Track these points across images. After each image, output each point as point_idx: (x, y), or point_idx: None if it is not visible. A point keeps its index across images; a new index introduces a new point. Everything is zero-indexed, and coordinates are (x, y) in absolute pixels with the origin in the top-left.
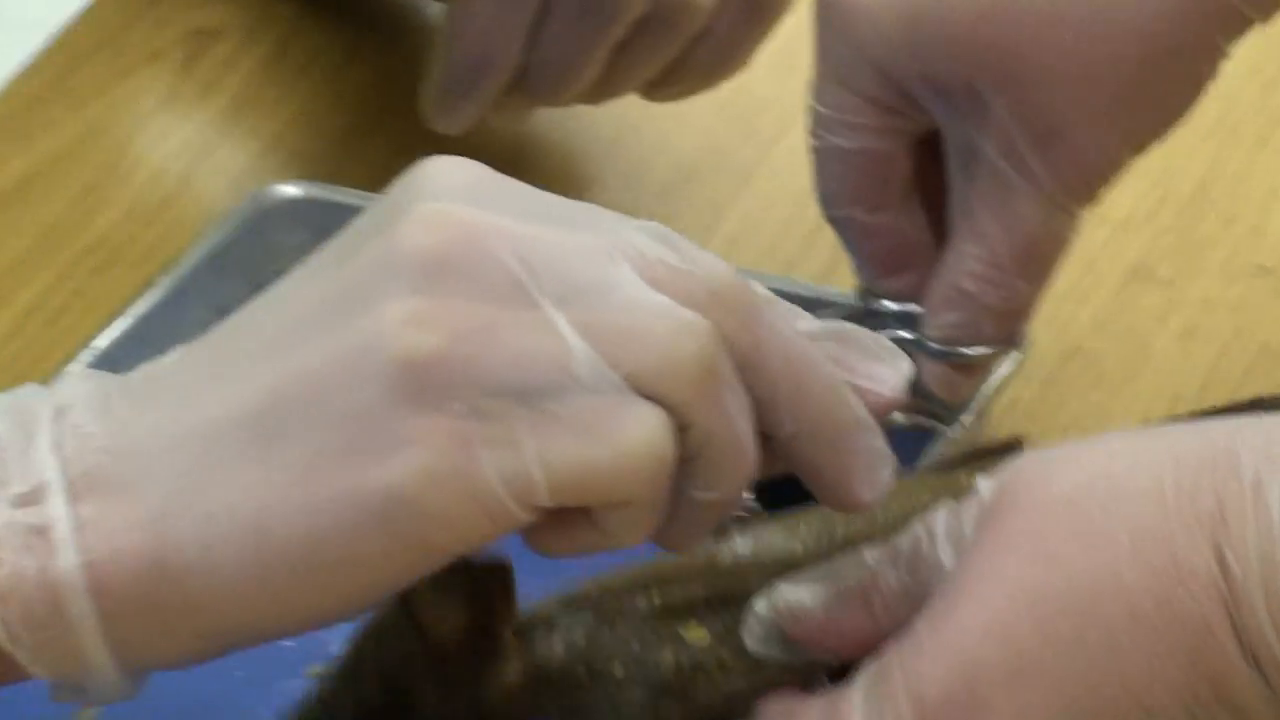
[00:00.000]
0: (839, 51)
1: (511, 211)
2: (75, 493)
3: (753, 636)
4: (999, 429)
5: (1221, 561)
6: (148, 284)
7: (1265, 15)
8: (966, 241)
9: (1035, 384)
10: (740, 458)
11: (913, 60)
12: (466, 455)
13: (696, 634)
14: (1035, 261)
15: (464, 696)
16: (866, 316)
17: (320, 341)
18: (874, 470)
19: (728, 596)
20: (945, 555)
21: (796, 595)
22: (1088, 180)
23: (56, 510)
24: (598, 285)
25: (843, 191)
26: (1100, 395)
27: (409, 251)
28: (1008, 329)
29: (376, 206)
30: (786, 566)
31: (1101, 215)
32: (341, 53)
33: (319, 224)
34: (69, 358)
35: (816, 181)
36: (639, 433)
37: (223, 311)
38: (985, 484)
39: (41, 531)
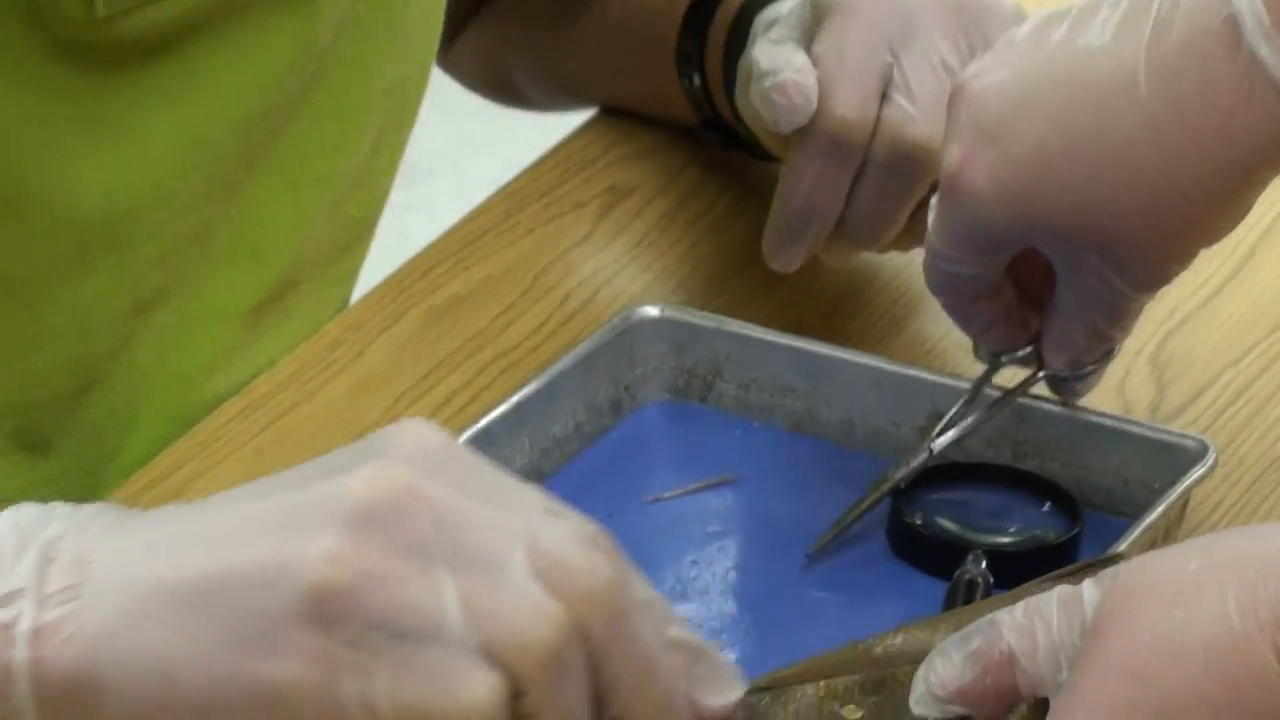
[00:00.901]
0: (956, 216)
1: (447, 480)
2: (43, 602)
3: (915, 701)
4: (1202, 527)
5: None
6: (529, 378)
7: None
8: (1072, 315)
9: (1239, 488)
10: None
11: (1019, 233)
12: (333, 675)
13: (854, 713)
14: (1123, 323)
15: None
16: (994, 368)
17: (257, 547)
18: None
19: (879, 682)
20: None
21: (940, 659)
22: (1159, 283)
23: (23, 613)
24: (486, 561)
25: (952, 292)
26: None
27: (347, 498)
28: (1105, 358)
29: (348, 449)
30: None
31: None
32: (729, 206)
33: (673, 339)
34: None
35: (928, 282)
36: (476, 692)
37: (589, 406)
38: (1090, 594)
39: (7, 627)
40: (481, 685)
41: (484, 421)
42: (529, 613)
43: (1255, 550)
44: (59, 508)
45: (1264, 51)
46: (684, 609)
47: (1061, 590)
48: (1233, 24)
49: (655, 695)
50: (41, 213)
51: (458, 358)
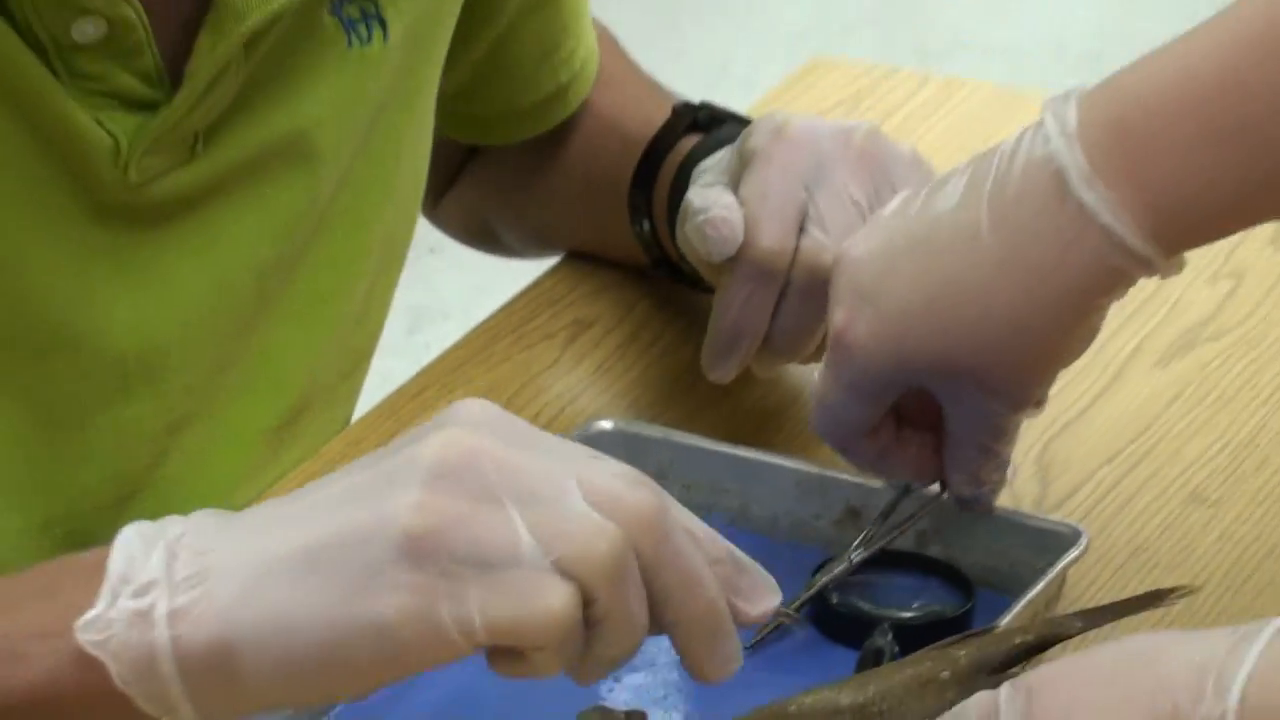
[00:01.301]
0: (844, 369)
1: (505, 440)
2: (174, 589)
3: None
4: (1078, 602)
5: None
6: None
7: (1155, 272)
8: (962, 438)
9: (1109, 569)
10: (631, 629)
11: (901, 377)
12: (431, 603)
13: None
14: (1006, 439)
15: None
16: (905, 493)
17: (354, 510)
18: (725, 664)
19: None
20: None
21: None
22: (1030, 401)
23: (158, 601)
24: (548, 497)
25: (841, 435)
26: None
27: (424, 460)
28: (1000, 473)
29: (420, 427)
30: (837, 715)
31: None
32: (676, 335)
33: (626, 448)
34: None
35: (817, 428)
36: (555, 601)
37: None
38: (1006, 710)
39: (145, 614)
40: (558, 594)
41: None
42: (590, 531)
43: (1153, 670)
44: (173, 517)
45: (1088, 198)
46: (634, 678)
47: (980, 698)
48: (1059, 176)
49: (701, 602)
50: (86, 350)
51: None
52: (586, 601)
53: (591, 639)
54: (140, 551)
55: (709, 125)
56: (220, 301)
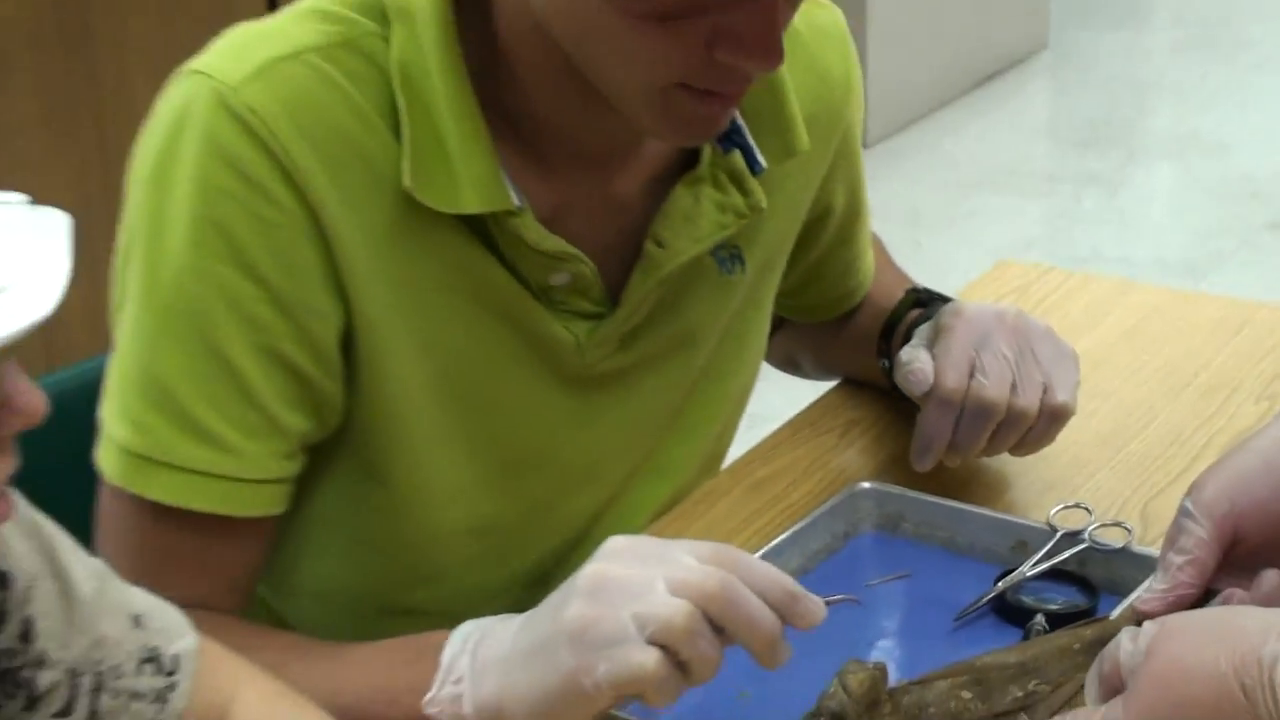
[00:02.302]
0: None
1: (624, 561)
2: (473, 679)
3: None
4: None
5: (1249, 698)
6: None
7: None
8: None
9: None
10: (707, 665)
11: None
12: (589, 673)
13: (966, 695)
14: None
15: None
16: (1058, 536)
17: (548, 623)
18: (777, 662)
19: (980, 679)
20: (1128, 675)
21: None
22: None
23: (465, 691)
24: (644, 594)
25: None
26: None
27: (579, 586)
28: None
29: (578, 574)
30: (1009, 668)
31: None
32: (905, 429)
33: (876, 501)
34: None
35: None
36: (648, 662)
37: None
38: (1144, 637)
39: (458, 698)
40: (649, 658)
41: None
42: (668, 610)
43: (1236, 623)
44: (471, 623)
45: None
46: (884, 642)
47: (1128, 631)
48: None
49: (759, 635)
50: (551, 464)
51: (764, 512)
52: (674, 655)
53: (686, 674)
54: (458, 649)
55: (927, 303)
56: (634, 434)
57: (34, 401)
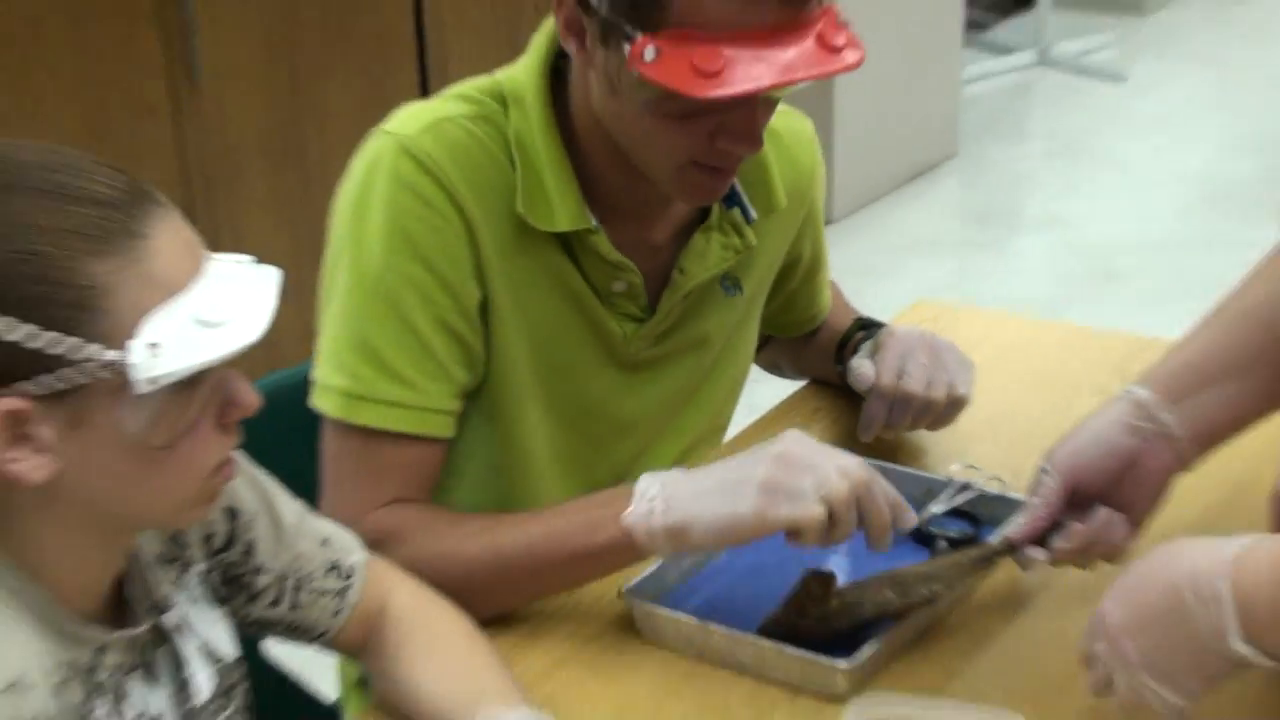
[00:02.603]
0: None
1: (804, 448)
2: (665, 501)
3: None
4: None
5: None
6: None
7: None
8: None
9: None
10: (848, 527)
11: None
12: (774, 510)
13: (889, 593)
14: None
15: (818, 612)
16: (964, 488)
17: (741, 471)
18: (884, 546)
19: (899, 582)
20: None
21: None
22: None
23: (659, 506)
24: (822, 471)
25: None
26: None
27: (771, 454)
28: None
29: (769, 440)
30: (919, 575)
31: None
32: (854, 416)
33: None
34: None
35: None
36: (820, 512)
37: None
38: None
39: (650, 514)
40: (818, 510)
41: None
42: (836, 483)
43: (1187, 550)
44: (659, 472)
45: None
46: (836, 558)
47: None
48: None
49: (879, 520)
50: (605, 420)
51: None
52: (832, 513)
53: (832, 531)
54: (649, 482)
55: (869, 327)
56: (660, 404)
57: (251, 399)
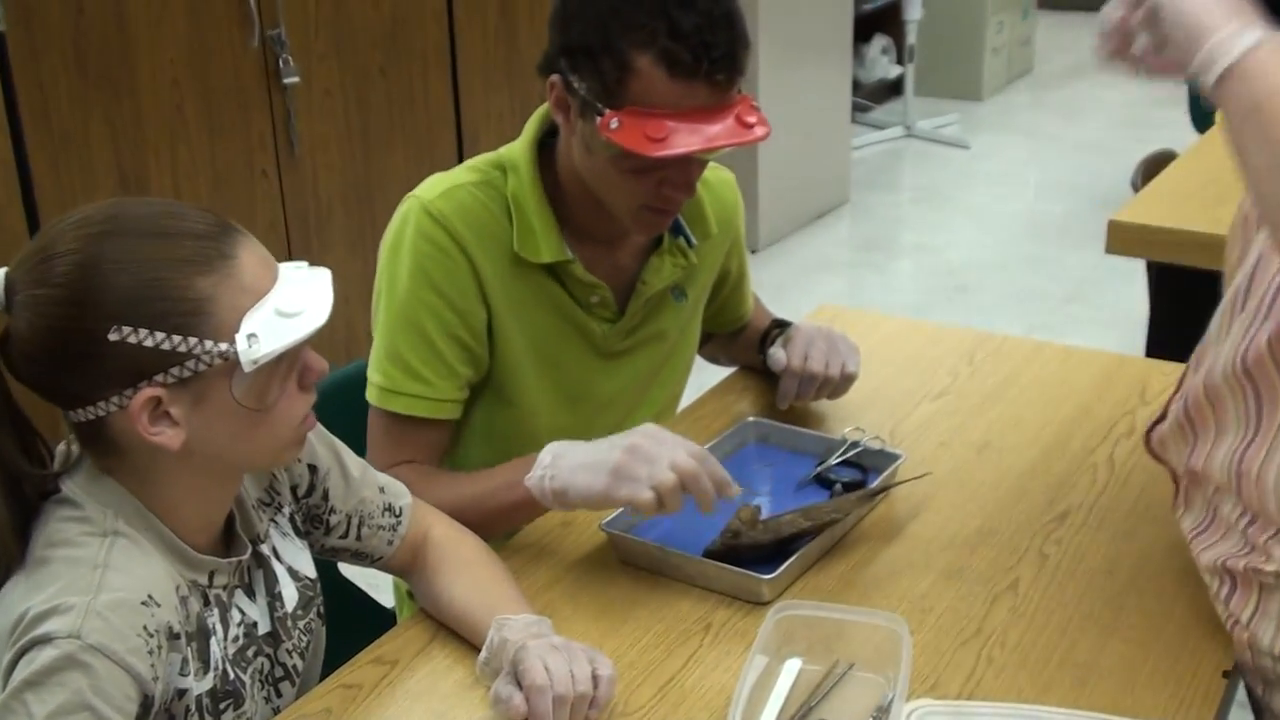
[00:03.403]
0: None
1: (652, 439)
2: (554, 470)
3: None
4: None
5: None
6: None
7: None
8: None
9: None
10: (677, 503)
11: None
12: (618, 489)
13: (801, 520)
14: None
15: (748, 538)
16: (853, 447)
17: (605, 454)
18: (708, 509)
19: (808, 514)
20: None
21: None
22: None
23: (548, 473)
24: (659, 462)
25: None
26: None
27: (625, 445)
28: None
29: (630, 430)
30: (823, 509)
31: None
32: (771, 391)
33: (756, 429)
34: None
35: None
36: (648, 497)
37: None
38: None
39: (542, 479)
40: (647, 496)
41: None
42: (664, 474)
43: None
44: (557, 443)
45: None
46: (759, 499)
47: None
48: None
49: (704, 500)
50: (587, 399)
51: (700, 433)
52: (660, 498)
53: (661, 507)
54: (546, 453)
55: (783, 325)
56: (632, 384)
57: (322, 364)
